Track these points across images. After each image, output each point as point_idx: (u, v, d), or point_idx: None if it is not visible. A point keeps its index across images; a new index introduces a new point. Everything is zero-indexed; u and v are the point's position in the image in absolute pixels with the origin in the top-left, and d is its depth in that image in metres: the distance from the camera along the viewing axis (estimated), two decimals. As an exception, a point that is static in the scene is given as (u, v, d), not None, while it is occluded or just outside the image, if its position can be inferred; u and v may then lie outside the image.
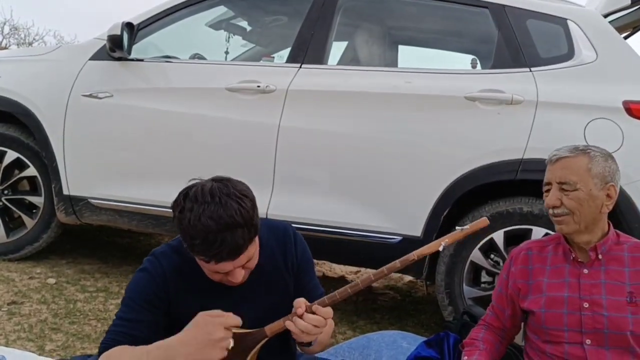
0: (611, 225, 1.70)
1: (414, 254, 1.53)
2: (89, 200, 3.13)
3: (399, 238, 2.76)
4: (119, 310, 1.53)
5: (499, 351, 1.80)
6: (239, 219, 1.36)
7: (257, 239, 1.47)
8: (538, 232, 2.59)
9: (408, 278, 4.16)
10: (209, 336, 1.36)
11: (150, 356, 1.39)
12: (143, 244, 4.27)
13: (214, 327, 1.37)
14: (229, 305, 1.51)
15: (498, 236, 2.65)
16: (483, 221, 1.58)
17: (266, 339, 1.49)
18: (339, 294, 1.48)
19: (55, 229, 3.33)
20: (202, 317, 1.39)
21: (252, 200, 1.44)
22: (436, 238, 2.72)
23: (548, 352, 1.64)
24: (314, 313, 1.43)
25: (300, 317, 1.43)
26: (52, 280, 3.07)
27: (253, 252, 1.45)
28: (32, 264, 3.30)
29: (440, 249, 1.54)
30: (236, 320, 1.41)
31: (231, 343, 1.38)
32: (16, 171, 3.33)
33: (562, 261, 1.70)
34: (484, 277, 2.82)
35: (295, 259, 1.65)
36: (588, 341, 1.59)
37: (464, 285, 2.72)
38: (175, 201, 1.43)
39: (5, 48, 16.35)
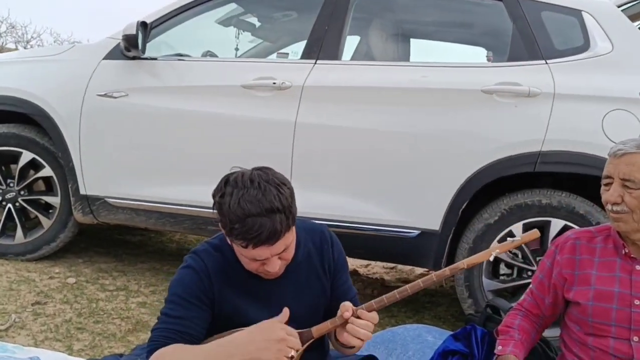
0: None
1: (464, 263, 1.53)
2: (106, 199, 3.15)
3: (417, 232, 2.78)
4: (164, 308, 1.53)
5: (534, 340, 1.80)
6: (278, 204, 1.39)
7: (294, 229, 1.48)
8: (557, 224, 2.62)
9: (419, 271, 4.19)
10: (268, 336, 1.38)
11: (209, 354, 1.40)
12: (154, 242, 4.29)
13: (275, 329, 1.39)
14: (269, 303, 1.54)
15: (517, 228, 2.67)
16: (534, 233, 1.57)
17: (312, 340, 1.50)
18: (387, 298, 1.49)
19: (72, 228, 3.34)
20: (264, 321, 1.42)
21: (291, 190, 1.46)
22: (455, 232, 2.75)
23: (591, 344, 1.65)
24: (359, 317, 1.45)
25: (347, 321, 1.44)
26: (72, 280, 3.09)
27: (290, 240, 1.46)
28: (50, 264, 3.32)
29: (491, 259, 1.54)
30: (296, 341, 1.42)
31: (292, 352, 1.39)
32: (32, 171, 3.34)
33: (613, 254, 1.67)
34: (503, 270, 2.84)
35: (332, 261, 1.66)
36: (636, 338, 1.59)
37: (483, 277, 2.74)
38: (216, 187, 1.46)
39: (3, 47, 16.28)
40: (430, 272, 4.05)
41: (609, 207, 1.62)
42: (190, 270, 1.53)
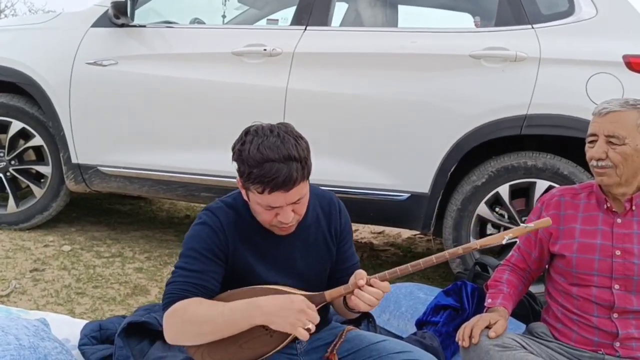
0: None
1: (477, 244, 1.56)
2: (99, 167, 3.17)
3: (407, 195, 2.85)
4: (179, 262, 1.55)
5: (521, 293, 1.90)
6: (295, 153, 1.44)
7: (308, 184, 1.52)
8: (542, 185, 2.70)
9: (407, 235, 4.29)
10: (291, 306, 1.42)
11: (231, 310, 1.44)
12: (145, 210, 4.33)
13: (297, 301, 1.43)
14: (278, 261, 1.59)
15: (503, 190, 2.75)
16: (546, 221, 1.61)
17: (324, 303, 1.55)
18: (400, 270, 1.52)
19: (64, 197, 3.36)
20: (289, 295, 1.45)
21: (307, 144, 1.51)
22: (443, 194, 2.83)
23: (575, 294, 1.74)
24: (371, 286, 1.48)
25: (360, 288, 1.47)
26: (67, 248, 3.13)
27: (304, 193, 1.50)
28: (44, 233, 3.35)
29: (504, 242, 1.56)
30: (315, 315, 1.44)
31: (309, 324, 1.42)
32: (22, 141, 3.34)
33: (596, 209, 1.76)
34: (490, 230, 2.93)
35: (339, 226, 1.70)
36: (617, 286, 1.69)
37: (471, 238, 2.83)
38: (237, 138, 1.52)
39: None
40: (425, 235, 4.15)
41: (593, 162, 1.70)
42: (205, 226, 1.56)
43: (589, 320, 1.71)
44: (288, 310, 1.42)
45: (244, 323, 1.45)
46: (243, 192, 1.54)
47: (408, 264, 1.52)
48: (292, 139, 1.46)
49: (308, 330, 1.41)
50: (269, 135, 1.45)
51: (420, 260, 1.52)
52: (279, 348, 1.54)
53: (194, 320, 1.45)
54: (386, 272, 1.51)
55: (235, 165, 1.51)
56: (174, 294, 1.50)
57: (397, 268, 1.52)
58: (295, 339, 1.56)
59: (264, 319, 1.43)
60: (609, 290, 1.69)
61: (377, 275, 1.50)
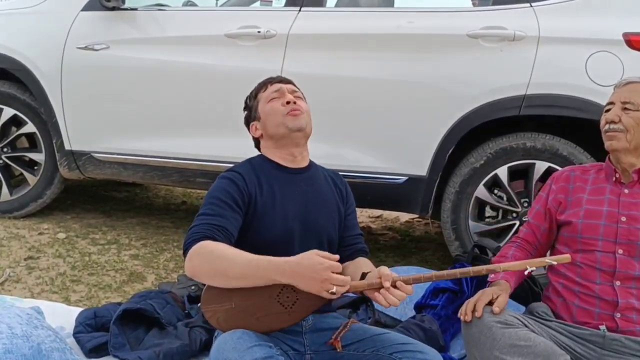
0: None
1: (500, 267, 1.62)
2: (92, 154, 3.13)
3: (405, 178, 2.82)
4: (201, 210, 1.62)
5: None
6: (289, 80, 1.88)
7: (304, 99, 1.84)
8: (541, 166, 2.67)
9: (405, 218, 4.27)
10: (314, 273, 1.43)
11: (257, 264, 1.47)
12: (141, 197, 4.29)
13: (322, 268, 1.43)
14: (296, 200, 1.71)
15: (502, 171, 2.72)
16: (566, 257, 1.64)
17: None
18: (424, 277, 1.55)
19: (58, 184, 3.33)
20: (311, 255, 1.46)
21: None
22: (441, 177, 2.80)
23: (579, 261, 1.76)
24: (395, 286, 1.50)
25: (385, 289, 1.49)
26: (62, 235, 3.10)
27: (299, 92, 1.84)
28: (39, 221, 3.32)
29: (526, 273, 1.66)
30: (339, 266, 1.46)
31: (333, 288, 1.43)
32: (14, 128, 3.29)
33: (604, 182, 1.82)
34: (488, 212, 2.91)
35: (344, 191, 1.86)
36: (620, 251, 1.72)
37: (469, 220, 2.80)
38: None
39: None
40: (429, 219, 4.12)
41: (606, 127, 1.78)
42: (224, 179, 1.69)
43: (590, 289, 1.73)
44: (313, 279, 1.43)
45: (268, 279, 1.48)
46: (254, 127, 1.80)
47: (432, 273, 1.59)
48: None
49: (333, 293, 1.44)
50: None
51: (444, 272, 1.58)
52: (291, 325, 1.57)
53: (223, 257, 1.50)
54: (410, 276, 1.54)
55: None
56: (198, 233, 1.56)
57: (421, 275, 1.56)
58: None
59: (289, 279, 1.46)
60: (612, 255, 1.72)
61: (401, 277, 1.52)
